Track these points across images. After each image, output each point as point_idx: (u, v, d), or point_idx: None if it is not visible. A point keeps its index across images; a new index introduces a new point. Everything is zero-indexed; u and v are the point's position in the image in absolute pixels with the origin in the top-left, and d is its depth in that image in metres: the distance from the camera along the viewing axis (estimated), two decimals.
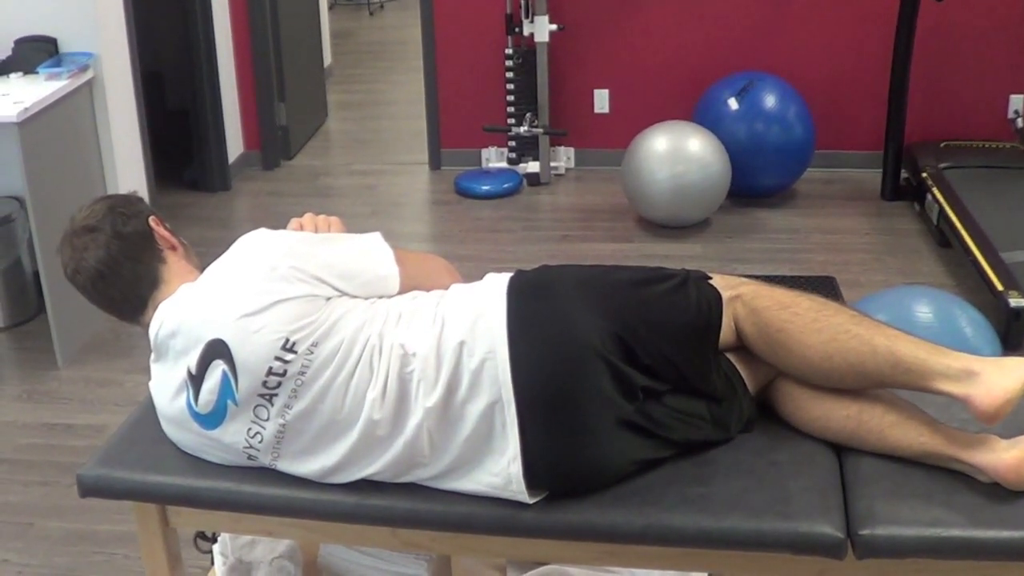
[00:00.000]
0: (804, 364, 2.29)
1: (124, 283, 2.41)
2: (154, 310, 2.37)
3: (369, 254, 2.39)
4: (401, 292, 2.37)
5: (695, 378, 2.29)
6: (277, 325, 2.21)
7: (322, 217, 2.57)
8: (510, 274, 2.35)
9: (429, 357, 2.19)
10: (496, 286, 2.30)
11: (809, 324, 2.27)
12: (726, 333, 2.33)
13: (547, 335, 2.20)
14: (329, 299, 2.27)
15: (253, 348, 2.21)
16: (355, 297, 2.31)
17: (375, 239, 2.42)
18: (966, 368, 2.16)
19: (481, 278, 2.39)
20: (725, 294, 2.34)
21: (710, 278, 2.38)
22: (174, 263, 2.46)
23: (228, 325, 2.23)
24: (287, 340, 2.20)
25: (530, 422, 2.17)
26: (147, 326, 2.40)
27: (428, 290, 2.39)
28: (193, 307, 2.30)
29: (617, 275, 2.37)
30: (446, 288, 2.39)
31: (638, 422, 2.22)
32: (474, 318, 2.22)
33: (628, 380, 2.20)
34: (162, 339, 2.32)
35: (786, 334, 2.28)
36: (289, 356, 2.20)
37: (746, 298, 2.34)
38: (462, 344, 2.19)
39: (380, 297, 2.34)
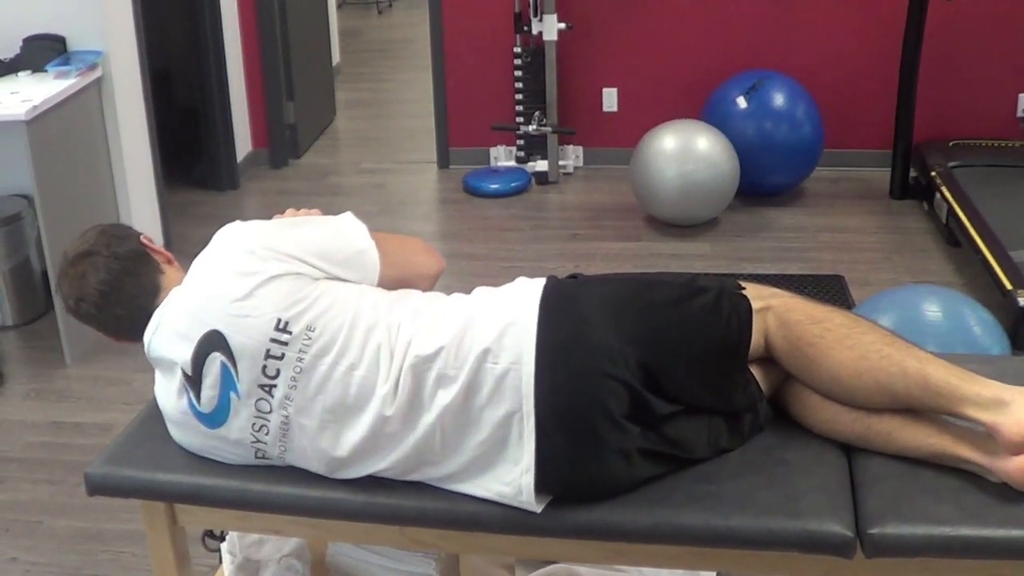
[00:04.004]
0: (832, 380, 2.27)
1: (128, 299, 2.41)
2: None
3: (342, 231, 2.41)
4: (383, 272, 2.38)
5: (719, 400, 2.30)
6: (267, 306, 2.22)
7: (303, 210, 2.60)
8: (543, 282, 2.33)
9: (449, 357, 2.19)
10: (530, 296, 2.27)
11: (841, 340, 2.25)
12: (754, 346, 2.32)
13: (573, 356, 2.19)
14: (317, 280, 2.28)
15: (248, 332, 2.22)
16: (347, 281, 2.33)
17: (346, 217, 2.44)
18: (996, 397, 2.14)
19: (490, 277, 2.39)
20: (756, 305, 2.32)
21: (743, 288, 2.37)
22: (171, 273, 2.47)
23: (219, 315, 2.24)
24: (279, 320, 2.21)
25: (547, 437, 2.16)
26: None
27: (409, 271, 2.43)
28: (181, 305, 2.32)
29: (649, 296, 2.32)
30: (427, 269, 2.46)
31: (656, 447, 2.22)
32: (503, 325, 2.21)
33: (649, 407, 2.20)
34: (155, 343, 2.34)
35: (817, 349, 2.26)
36: (285, 337, 2.21)
37: (778, 310, 2.32)
38: (487, 350, 2.18)
39: (371, 284, 2.36)
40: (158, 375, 2.40)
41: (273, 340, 2.22)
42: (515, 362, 2.17)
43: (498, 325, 2.21)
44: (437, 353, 2.20)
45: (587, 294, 2.31)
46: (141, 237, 2.51)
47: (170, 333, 2.31)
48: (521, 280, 2.37)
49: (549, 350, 2.17)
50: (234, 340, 2.23)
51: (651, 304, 2.30)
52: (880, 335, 2.27)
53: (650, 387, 2.19)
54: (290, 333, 2.22)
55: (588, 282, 2.40)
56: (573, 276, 2.45)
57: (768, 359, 2.37)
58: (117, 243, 2.44)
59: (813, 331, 2.27)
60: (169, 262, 2.50)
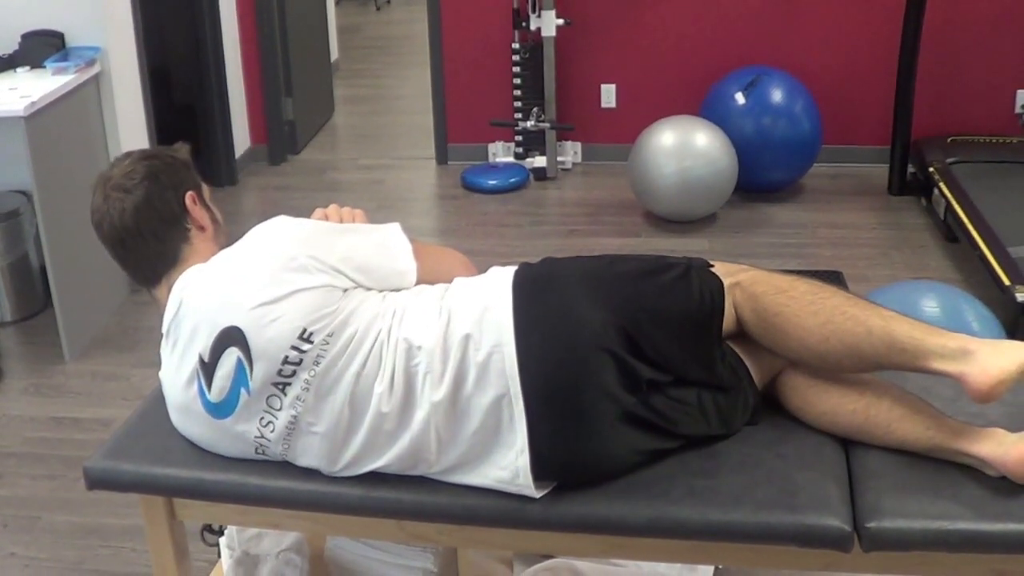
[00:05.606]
0: (801, 347, 2.29)
1: (142, 256, 2.40)
2: (168, 288, 2.36)
3: (388, 248, 2.38)
4: (416, 283, 2.37)
5: (700, 368, 2.30)
6: (295, 315, 2.20)
7: (347, 209, 2.55)
8: (515, 267, 2.35)
9: (435, 350, 2.19)
10: (502, 279, 2.30)
11: (805, 307, 2.27)
12: (728, 321, 2.33)
13: (553, 329, 2.20)
14: (346, 290, 2.27)
15: (270, 336, 2.20)
16: (369, 289, 2.32)
17: (394, 231, 2.41)
18: (962, 347, 2.15)
19: (486, 272, 2.39)
20: (726, 281, 2.34)
21: (712, 266, 2.39)
22: (198, 243, 2.43)
23: (244, 313, 2.21)
24: (304, 330, 2.20)
25: (537, 415, 2.17)
26: (157, 300, 2.41)
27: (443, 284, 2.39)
28: (208, 292, 2.28)
29: (620, 267, 2.36)
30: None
31: (643, 415, 2.22)
32: (480, 311, 2.22)
33: (633, 372, 2.20)
34: (175, 323, 2.32)
35: (783, 318, 2.28)
36: (306, 346, 2.20)
37: (745, 284, 2.34)
38: (468, 337, 2.19)
39: (394, 291, 2.34)
40: (166, 357, 2.38)
41: (294, 347, 2.20)
42: (496, 345, 2.18)
43: (475, 312, 2.22)
44: (424, 350, 2.20)
45: (560, 271, 2.34)
46: (188, 195, 2.44)
47: (192, 319, 2.28)
48: (494, 269, 2.38)
49: (527, 327, 2.19)
50: (255, 341, 2.21)
51: (624, 274, 2.33)
52: (844, 298, 2.29)
53: (633, 352, 2.20)
54: (311, 343, 2.20)
55: (558, 261, 2.42)
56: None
57: (758, 349, 2.38)
58: (159, 193, 2.40)
59: (778, 300, 2.29)
60: (202, 229, 2.45)
